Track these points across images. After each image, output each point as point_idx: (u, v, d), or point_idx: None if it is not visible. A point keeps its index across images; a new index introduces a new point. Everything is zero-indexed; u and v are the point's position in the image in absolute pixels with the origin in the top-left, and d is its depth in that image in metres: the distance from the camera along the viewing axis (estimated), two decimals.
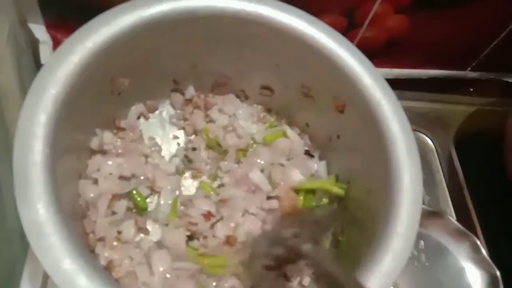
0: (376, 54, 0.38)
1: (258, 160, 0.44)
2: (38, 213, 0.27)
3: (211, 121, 0.46)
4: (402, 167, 0.34)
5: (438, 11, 0.53)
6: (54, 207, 0.27)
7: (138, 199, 0.40)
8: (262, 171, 0.43)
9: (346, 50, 0.38)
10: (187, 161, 0.44)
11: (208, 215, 0.40)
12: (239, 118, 0.46)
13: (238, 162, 0.45)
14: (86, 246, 0.35)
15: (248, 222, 0.39)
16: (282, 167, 0.44)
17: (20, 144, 0.28)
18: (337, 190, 0.42)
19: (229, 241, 0.39)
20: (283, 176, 0.43)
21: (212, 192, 0.42)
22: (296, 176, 0.43)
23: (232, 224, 0.39)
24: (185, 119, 0.46)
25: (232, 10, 0.38)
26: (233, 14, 0.38)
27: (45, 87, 0.30)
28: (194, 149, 0.45)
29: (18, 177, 0.27)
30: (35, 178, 0.27)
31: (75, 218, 0.35)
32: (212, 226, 0.40)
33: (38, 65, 0.50)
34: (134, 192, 0.40)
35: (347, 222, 0.41)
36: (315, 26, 0.38)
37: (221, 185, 0.43)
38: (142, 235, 0.40)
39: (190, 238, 0.39)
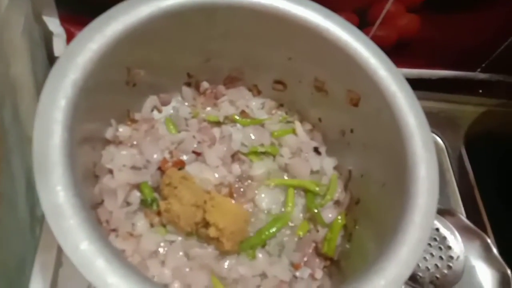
0: (386, 53, 0.38)
1: None
2: (58, 196, 0.27)
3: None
4: (418, 160, 0.34)
5: (449, 11, 0.54)
6: (72, 190, 0.27)
7: (146, 190, 0.40)
8: None
9: (361, 42, 0.38)
10: None
11: None
12: (250, 111, 0.47)
13: None
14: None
15: None
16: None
17: (40, 128, 0.28)
18: (314, 188, 0.43)
19: None
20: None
21: None
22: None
23: None
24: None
25: (248, 3, 0.38)
26: (249, 7, 0.38)
27: (65, 72, 0.30)
28: None
29: (37, 160, 0.27)
30: (55, 161, 0.27)
31: (90, 206, 0.35)
32: None
33: (50, 58, 0.50)
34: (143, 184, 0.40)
35: (360, 215, 0.40)
36: (330, 19, 0.38)
37: None
38: (154, 228, 0.39)
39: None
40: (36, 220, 0.43)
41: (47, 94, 0.30)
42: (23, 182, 0.40)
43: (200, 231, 0.38)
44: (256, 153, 0.44)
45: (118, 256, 0.27)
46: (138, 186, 0.39)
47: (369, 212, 0.39)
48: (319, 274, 0.39)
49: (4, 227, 0.36)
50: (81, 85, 0.31)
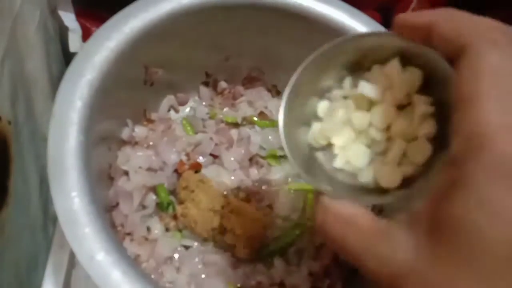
0: None
1: None
2: (73, 202, 0.25)
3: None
4: None
5: (475, 9, 0.51)
6: (88, 196, 0.26)
7: (162, 194, 0.38)
8: None
9: None
10: None
11: None
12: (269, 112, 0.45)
13: None
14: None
15: None
16: None
17: (55, 130, 0.27)
18: None
19: None
20: None
21: None
22: None
23: None
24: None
25: (272, 0, 0.37)
26: (271, 4, 0.37)
27: (81, 72, 0.29)
28: None
29: (52, 163, 0.26)
30: (70, 166, 0.26)
31: (104, 210, 0.34)
32: None
33: (65, 54, 0.49)
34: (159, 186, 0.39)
35: None
36: (356, 18, 0.37)
37: None
38: (169, 233, 0.38)
39: None
40: (49, 218, 0.42)
41: (62, 94, 0.28)
42: (36, 179, 0.39)
43: (216, 237, 0.37)
44: (274, 157, 0.43)
45: (135, 268, 0.25)
46: (154, 189, 0.38)
47: None
48: (339, 284, 0.38)
49: (16, 225, 0.35)
50: (97, 85, 0.30)
